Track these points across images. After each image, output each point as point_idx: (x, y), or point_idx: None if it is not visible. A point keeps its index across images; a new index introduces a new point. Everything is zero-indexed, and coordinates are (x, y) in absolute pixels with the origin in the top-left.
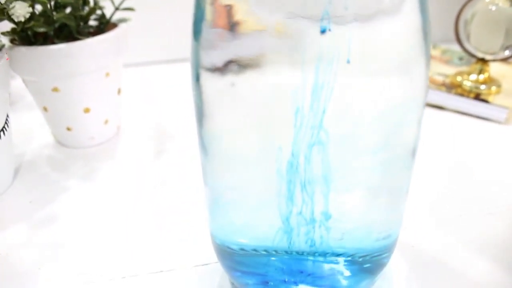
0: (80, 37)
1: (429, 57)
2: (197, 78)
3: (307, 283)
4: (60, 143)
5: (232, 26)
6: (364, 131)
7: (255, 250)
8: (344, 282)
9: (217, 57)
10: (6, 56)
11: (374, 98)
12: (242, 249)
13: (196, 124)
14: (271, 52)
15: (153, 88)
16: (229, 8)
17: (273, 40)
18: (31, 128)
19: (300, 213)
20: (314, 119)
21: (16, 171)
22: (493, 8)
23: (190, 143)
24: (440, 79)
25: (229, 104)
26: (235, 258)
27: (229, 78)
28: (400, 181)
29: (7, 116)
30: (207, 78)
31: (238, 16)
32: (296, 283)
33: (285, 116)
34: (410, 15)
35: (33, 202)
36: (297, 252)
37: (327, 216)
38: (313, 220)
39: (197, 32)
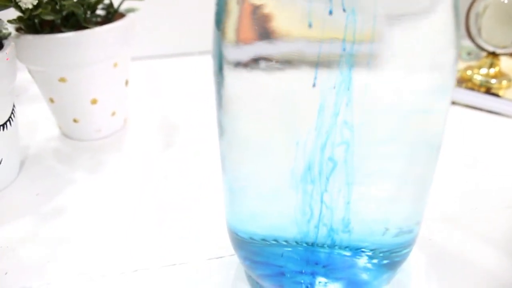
0: (88, 26)
1: (458, 52)
2: (220, 69)
3: (325, 276)
4: (66, 135)
5: (259, 17)
6: (391, 126)
7: (274, 240)
8: (364, 276)
9: (242, 54)
10: (12, 46)
11: (403, 94)
12: (259, 239)
13: (216, 110)
14: (302, 53)
15: (160, 82)
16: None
17: (304, 43)
18: (35, 121)
19: (322, 203)
20: (339, 110)
21: (22, 164)
22: (506, 0)
23: (198, 136)
24: None
25: (252, 95)
26: (251, 248)
27: (254, 74)
28: (424, 174)
29: (14, 106)
30: (230, 71)
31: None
32: (313, 275)
33: (307, 110)
34: (444, 13)
35: (40, 195)
36: (317, 244)
37: (348, 208)
38: (334, 211)
39: (219, 21)
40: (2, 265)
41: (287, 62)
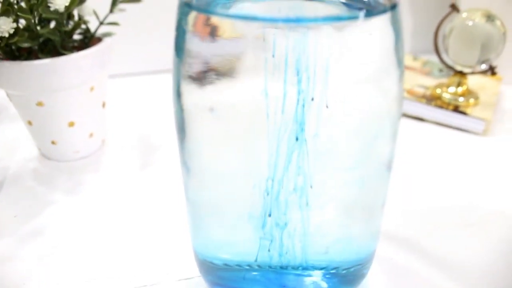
0: (64, 52)
1: (402, 73)
2: (178, 95)
3: None
4: (45, 156)
5: (211, 40)
6: (339, 146)
7: (237, 265)
8: None
9: (197, 71)
10: None
11: (349, 113)
12: (224, 264)
13: (177, 141)
14: (248, 64)
15: (138, 100)
16: (209, 25)
17: (249, 52)
18: (15, 141)
19: (280, 228)
20: (289, 132)
21: (1, 185)
22: (470, 23)
23: (175, 155)
24: (420, 91)
25: (208, 121)
26: (217, 273)
27: (208, 97)
28: (376, 195)
29: None
30: (188, 94)
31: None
32: None
33: (261, 132)
34: (382, 32)
35: (18, 216)
36: (281, 267)
37: (306, 231)
38: (293, 235)
39: (179, 50)
40: None
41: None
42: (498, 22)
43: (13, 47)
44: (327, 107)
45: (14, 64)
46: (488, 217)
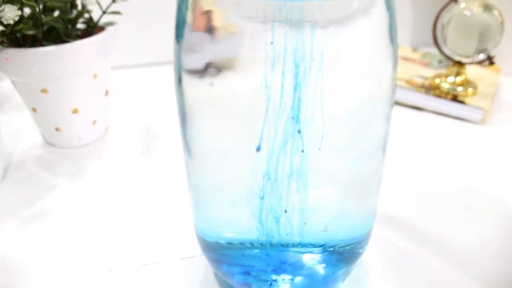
0: (68, 39)
1: (396, 58)
2: (179, 81)
3: (288, 273)
4: (48, 143)
5: (210, 30)
6: (335, 128)
7: (239, 243)
8: (322, 271)
9: (197, 60)
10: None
11: (344, 97)
12: (225, 243)
13: (180, 125)
14: (246, 55)
15: (140, 90)
16: (208, 14)
17: (248, 43)
18: (19, 129)
19: (279, 207)
20: (287, 118)
21: (5, 171)
22: (468, 13)
23: (176, 143)
24: (419, 81)
25: (208, 106)
26: (218, 251)
27: (208, 80)
28: (371, 174)
29: None
30: (188, 81)
31: (216, 22)
32: (277, 273)
33: (259, 115)
34: (377, 17)
35: (22, 200)
36: (281, 245)
37: (303, 210)
38: (291, 214)
39: (179, 35)
40: None
41: (233, 66)
42: (495, 12)
43: (18, 34)
44: (322, 91)
45: (19, 51)
46: (483, 201)
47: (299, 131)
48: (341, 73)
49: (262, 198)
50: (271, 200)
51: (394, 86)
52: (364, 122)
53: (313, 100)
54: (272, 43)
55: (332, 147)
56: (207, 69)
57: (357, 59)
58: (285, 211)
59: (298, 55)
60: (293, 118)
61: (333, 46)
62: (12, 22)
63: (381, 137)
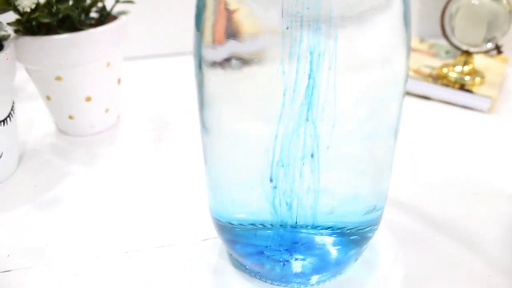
0: (82, 27)
1: (409, 44)
2: (199, 66)
3: (300, 253)
4: (62, 131)
5: (230, 17)
6: (348, 111)
7: (251, 224)
8: (334, 252)
9: (217, 54)
10: (11, 47)
11: (357, 81)
12: (239, 224)
13: (198, 108)
14: (266, 49)
15: (152, 80)
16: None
17: (268, 38)
18: (33, 118)
19: (291, 189)
20: (301, 103)
21: (20, 158)
22: (476, 2)
23: (187, 132)
24: (427, 70)
25: (227, 90)
26: (233, 232)
27: (228, 64)
28: (383, 158)
29: (13, 103)
30: (208, 67)
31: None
32: (290, 253)
33: (276, 99)
34: (392, 5)
35: (38, 186)
36: (291, 226)
37: (315, 192)
38: (303, 195)
39: (198, 22)
40: (5, 249)
41: (254, 59)
42: (504, 1)
43: (33, 23)
44: (336, 75)
45: (34, 39)
46: (491, 188)
47: (307, 119)
48: (356, 57)
49: (275, 179)
50: (284, 183)
51: (407, 72)
52: (377, 106)
53: (326, 84)
54: (288, 28)
55: (344, 130)
56: (228, 60)
57: (371, 45)
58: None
59: (313, 41)
60: (306, 103)
61: (348, 32)
62: (28, 10)
63: (393, 121)
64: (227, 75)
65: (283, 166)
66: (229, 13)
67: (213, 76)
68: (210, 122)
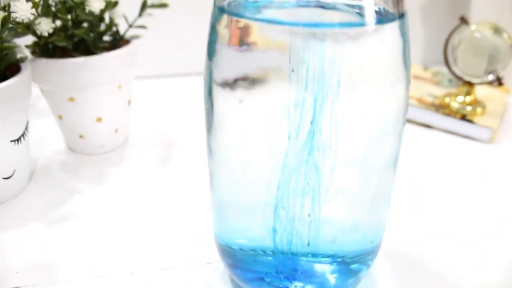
0: (96, 51)
1: (409, 79)
2: (209, 93)
3: (300, 280)
4: (71, 149)
5: (243, 45)
6: (348, 145)
7: (252, 250)
8: (333, 280)
9: (228, 74)
10: (29, 69)
11: (357, 116)
12: (240, 249)
13: (206, 133)
14: (273, 73)
15: (161, 100)
16: (242, 30)
17: (274, 62)
18: (44, 135)
19: (292, 218)
20: (304, 134)
21: (31, 175)
22: (478, 35)
23: (194, 152)
24: (429, 99)
25: (236, 117)
26: (234, 257)
27: (237, 94)
28: (382, 190)
29: (27, 123)
30: (218, 93)
31: (249, 37)
32: (290, 280)
33: (281, 129)
34: (392, 42)
35: (48, 203)
36: (292, 253)
37: (315, 222)
38: (303, 225)
39: (211, 53)
40: (14, 265)
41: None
42: (505, 35)
43: (50, 45)
44: (337, 112)
45: (50, 62)
46: (492, 220)
47: (309, 154)
48: (356, 92)
49: (276, 207)
50: (284, 210)
51: (407, 105)
52: (376, 139)
53: (329, 123)
54: (293, 71)
55: (344, 164)
56: (238, 84)
57: (371, 81)
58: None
59: (318, 86)
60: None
61: (349, 69)
62: (46, 34)
63: (392, 154)
64: (236, 104)
65: (284, 196)
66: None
67: (222, 104)
68: (216, 148)
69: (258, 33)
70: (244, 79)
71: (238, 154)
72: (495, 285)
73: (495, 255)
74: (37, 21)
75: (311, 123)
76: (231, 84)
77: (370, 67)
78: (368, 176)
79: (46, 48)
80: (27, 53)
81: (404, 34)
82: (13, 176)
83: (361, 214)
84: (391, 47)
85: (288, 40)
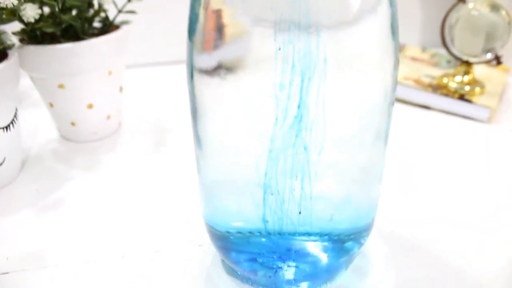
0: (85, 37)
1: (397, 52)
2: (191, 76)
3: (293, 260)
4: (64, 137)
5: (220, 29)
6: (337, 120)
7: (245, 232)
8: (325, 259)
9: (208, 58)
10: (16, 56)
11: (346, 90)
12: (232, 232)
13: (191, 119)
14: (255, 54)
15: (153, 88)
16: (218, 13)
17: (256, 44)
18: (37, 125)
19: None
20: (292, 114)
21: (23, 163)
22: (475, 13)
23: (187, 138)
24: (427, 80)
25: (219, 101)
26: (225, 240)
27: (220, 74)
28: (373, 165)
29: (16, 110)
30: (200, 77)
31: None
32: (283, 260)
33: (266, 109)
34: (381, 14)
35: (39, 191)
36: (285, 233)
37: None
38: (296, 203)
39: (191, 32)
40: (4, 251)
41: (244, 66)
42: (503, 12)
43: (37, 32)
44: (325, 85)
45: (38, 48)
46: (489, 199)
47: (296, 136)
48: (344, 66)
49: (267, 187)
50: (275, 190)
51: (396, 78)
52: (365, 114)
53: (316, 96)
54: (279, 49)
55: (334, 139)
56: (218, 68)
57: (360, 54)
58: (289, 200)
59: (305, 59)
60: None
61: (338, 43)
62: (33, 20)
63: (382, 129)
64: (219, 86)
65: (274, 175)
66: (220, 26)
67: (205, 86)
68: (202, 134)
69: (239, 11)
70: (224, 63)
71: (225, 137)
72: (494, 267)
73: (494, 236)
74: (22, 7)
75: (299, 101)
76: (212, 67)
77: (357, 39)
78: (358, 152)
79: (34, 35)
80: (15, 40)
81: (392, 5)
82: (3, 164)
83: (352, 190)
84: (379, 20)
85: (273, 17)
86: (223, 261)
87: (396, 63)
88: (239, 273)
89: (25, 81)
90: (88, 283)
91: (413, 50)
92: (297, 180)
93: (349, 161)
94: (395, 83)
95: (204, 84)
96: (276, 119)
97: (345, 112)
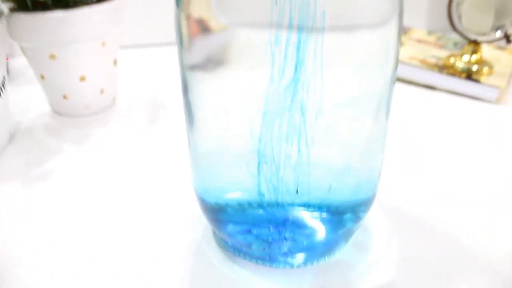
0: (77, 6)
1: (402, 13)
2: (181, 43)
3: (290, 231)
4: (56, 112)
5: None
6: (337, 81)
7: (239, 204)
8: (323, 231)
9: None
10: (3, 23)
11: (346, 55)
12: (226, 204)
13: (182, 89)
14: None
15: (149, 66)
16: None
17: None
18: (30, 100)
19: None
20: (289, 69)
21: (12, 137)
22: None
23: (179, 114)
24: (433, 60)
25: (209, 75)
26: (218, 212)
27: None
28: (374, 135)
29: (4, 78)
30: (188, 54)
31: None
32: (279, 232)
33: (261, 69)
34: None
35: (28, 163)
36: (282, 204)
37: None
38: (293, 173)
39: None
40: None
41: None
42: None
43: (28, 1)
44: (323, 49)
45: (28, 16)
46: (496, 179)
47: (292, 98)
48: (344, 30)
49: (263, 157)
50: (271, 161)
51: (399, 41)
52: (366, 76)
53: (313, 55)
54: (277, 3)
55: (333, 102)
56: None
57: (361, 8)
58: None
59: (303, 12)
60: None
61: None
62: None
63: (383, 96)
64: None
65: (270, 143)
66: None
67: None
68: (193, 99)
69: None
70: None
71: (218, 100)
72: (504, 245)
73: (503, 215)
74: None
75: (296, 60)
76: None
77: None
78: (358, 119)
79: (25, 3)
80: (4, 8)
81: None
82: None
83: (352, 159)
84: None
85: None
86: (214, 233)
87: (401, 16)
88: (231, 245)
89: (21, 60)
90: (76, 256)
91: (419, 33)
92: (293, 145)
93: (349, 127)
94: (399, 42)
95: (196, 50)
96: (272, 79)
97: (344, 74)
